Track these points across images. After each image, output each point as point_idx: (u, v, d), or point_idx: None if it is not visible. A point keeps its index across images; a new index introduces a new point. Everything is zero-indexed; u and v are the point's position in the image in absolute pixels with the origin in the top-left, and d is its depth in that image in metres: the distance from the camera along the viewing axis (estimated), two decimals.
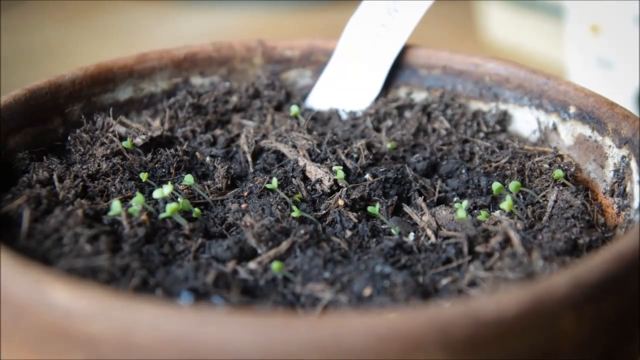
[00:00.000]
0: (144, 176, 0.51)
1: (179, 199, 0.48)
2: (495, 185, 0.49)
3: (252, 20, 1.33)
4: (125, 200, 0.49)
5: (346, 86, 0.63)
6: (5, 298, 0.36)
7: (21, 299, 0.35)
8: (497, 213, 0.48)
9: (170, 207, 0.46)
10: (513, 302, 0.33)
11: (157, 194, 0.47)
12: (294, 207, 0.48)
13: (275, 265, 0.42)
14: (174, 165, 0.53)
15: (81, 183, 0.50)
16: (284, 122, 0.59)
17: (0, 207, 0.46)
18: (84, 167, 0.52)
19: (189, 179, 0.50)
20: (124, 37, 1.30)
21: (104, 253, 0.43)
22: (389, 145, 0.56)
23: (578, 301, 0.35)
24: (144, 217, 0.46)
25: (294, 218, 0.47)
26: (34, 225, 0.45)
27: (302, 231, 0.45)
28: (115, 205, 0.46)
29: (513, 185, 0.49)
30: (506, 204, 0.47)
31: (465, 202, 0.48)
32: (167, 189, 0.47)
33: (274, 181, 0.49)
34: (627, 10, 0.89)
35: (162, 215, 0.46)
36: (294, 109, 0.59)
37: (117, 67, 0.60)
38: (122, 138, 0.54)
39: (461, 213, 0.46)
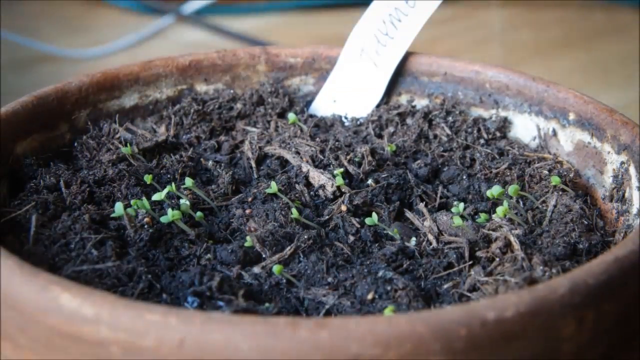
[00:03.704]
0: (148, 178, 0.51)
1: (180, 201, 0.49)
2: (496, 190, 0.49)
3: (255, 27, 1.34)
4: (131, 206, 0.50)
5: (349, 93, 0.64)
6: (14, 303, 0.37)
7: (29, 304, 0.36)
8: (497, 218, 0.49)
9: (173, 214, 0.46)
10: (513, 306, 0.34)
11: (156, 196, 0.48)
12: (294, 211, 0.48)
13: (277, 268, 0.43)
14: (179, 171, 0.54)
15: (88, 189, 0.51)
16: (287, 129, 0.60)
17: (8, 212, 0.47)
18: (91, 172, 0.52)
19: (189, 182, 0.50)
20: None
21: (110, 258, 0.43)
22: (389, 149, 0.57)
23: (578, 305, 0.35)
24: (147, 219, 0.47)
25: (297, 223, 0.48)
26: (41, 231, 0.45)
27: (306, 236, 0.46)
28: (118, 207, 0.46)
29: (512, 189, 0.50)
30: (501, 210, 0.47)
31: (461, 205, 0.49)
32: (166, 191, 0.48)
33: (273, 185, 0.50)
34: None
35: (163, 219, 0.46)
36: (291, 117, 0.60)
37: (123, 74, 0.60)
38: (127, 144, 0.55)
39: (457, 220, 0.47)
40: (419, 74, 0.64)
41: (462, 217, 0.48)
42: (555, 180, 0.52)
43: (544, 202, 0.51)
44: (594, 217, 0.50)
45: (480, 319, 0.33)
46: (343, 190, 0.52)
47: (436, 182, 0.56)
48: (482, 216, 0.49)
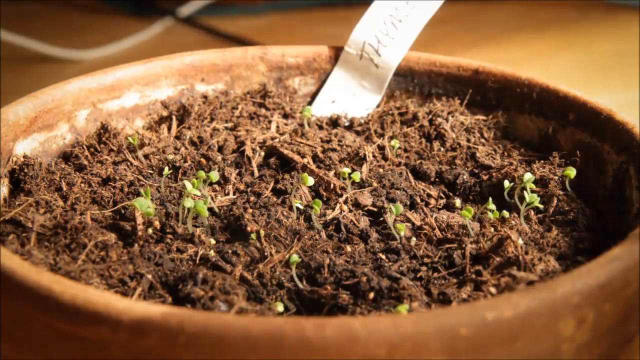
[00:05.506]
0: (165, 171, 0.51)
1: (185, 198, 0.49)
2: (508, 182, 0.51)
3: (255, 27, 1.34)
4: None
5: (350, 93, 0.64)
6: (15, 302, 0.37)
7: (29, 304, 0.36)
8: (498, 218, 0.49)
9: (195, 202, 0.46)
10: (513, 306, 0.34)
11: (187, 184, 0.48)
12: (317, 202, 0.49)
13: (294, 257, 0.43)
14: (180, 170, 0.54)
15: (89, 189, 0.51)
16: (288, 128, 0.60)
17: (9, 212, 0.47)
18: (92, 172, 0.52)
19: (201, 174, 0.50)
20: None
21: (112, 258, 0.43)
22: (394, 145, 0.57)
23: (578, 305, 0.35)
24: (156, 222, 0.47)
25: (299, 223, 0.48)
26: (43, 231, 0.45)
27: (308, 236, 0.46)
28: (142, 204, 0.46)
29: (526, 177, 0.50)
30: (525, 194, 0.48)
31: (475, 204, 0.49)
32: (194, 184, 0.48)
33: (305, 177, 0.50)
34: None
35: (184, 203, 0.47)
36: (307, 110, 0.60)
37: (123, 74, 0.60)
38: (128, 144, 0.55)
39: (464, 213, 0.47)
40: (419, 74, 0.64)
41: (462, 216, 0.48)
42: (556, 178, 0.52)
43: (544, 202, 0.51)
44: (594, 217, 0.50)
45: (480, 319, 0.33)
46: (344, 189, 0.52)
47: (438, 181, 0.56)
48: (484, 216, 0.49)
